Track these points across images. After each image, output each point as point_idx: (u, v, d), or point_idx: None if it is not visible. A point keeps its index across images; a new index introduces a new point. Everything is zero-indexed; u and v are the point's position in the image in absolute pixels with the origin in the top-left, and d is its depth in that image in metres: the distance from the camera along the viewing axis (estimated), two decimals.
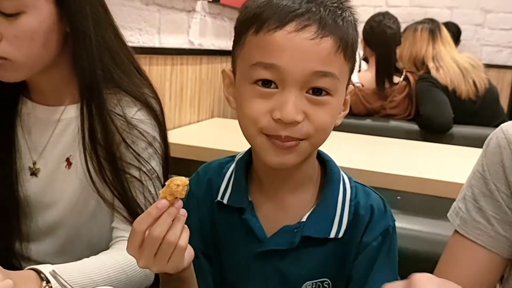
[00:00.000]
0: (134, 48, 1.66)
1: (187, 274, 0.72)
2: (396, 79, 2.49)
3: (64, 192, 0.93)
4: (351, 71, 0.73)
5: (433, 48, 2.49)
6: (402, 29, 2.57)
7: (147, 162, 0.91)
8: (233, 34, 0.74)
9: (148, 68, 1.79)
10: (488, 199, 0.77)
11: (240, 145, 0.80)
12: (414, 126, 2.44)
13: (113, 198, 0.90)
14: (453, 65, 2.45)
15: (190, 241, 0.67)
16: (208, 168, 0.85)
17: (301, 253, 0.76)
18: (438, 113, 2.36)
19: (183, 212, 0.64)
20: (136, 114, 0.91)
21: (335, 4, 0.68)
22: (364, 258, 0.75)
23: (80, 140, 0.89)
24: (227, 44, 2.43)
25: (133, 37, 1.69)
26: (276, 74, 0.66)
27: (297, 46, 0.65)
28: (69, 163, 0.93)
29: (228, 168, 0.82)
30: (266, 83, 0.67)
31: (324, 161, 0.80)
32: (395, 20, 2.48)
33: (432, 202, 1.50)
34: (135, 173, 0.90)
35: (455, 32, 3.62)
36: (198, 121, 2.27)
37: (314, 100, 0.67)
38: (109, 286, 0.74)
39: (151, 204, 0.89)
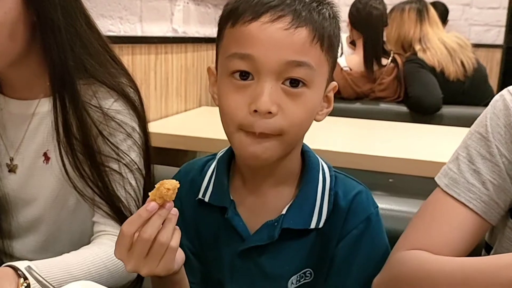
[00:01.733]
0: (116, 37, 1.63)
1: (179, 277, 0.71)
2: (384, 61, 2.47)
3: (43, 188, 0.90)
4: (332, 66, 0.73)
5: (420, 30, 2.47)
6: (388, 10, 2.54)
7: (126, 154, 0.88)
8: (217, 21, 0.74)
9: (132, 57, 1.76)
10: (487, 162, 0.72)
11: None
12: (404, 108, 2.43)
13: (93, 193, 0.87)
14: (440, 46, 2.43)
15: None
16: (191, 168, 0.84)
17: (282, 247, 0.75)
18: (427, 94, 2.34)
19: (175, 211, 0.63)
20: (113, 105, 0.88)
21: None
22: (345, 245, 0.75)
23: (54, 135, 0.86)
24: (212, 31, 2.39)
25: (114, 26, 1.65)
26: (251, 64, 0.66)
27: (271, 36, 0.65)
28: (47, 158, 0.90)
29: (209, 167, 0.82)
30: (244, 75, 0.67)
31: (303, 152, 0.80)
32: (381, 0, 2.45)
33: (424, 183, 1.48)
34: (114, 166, 0.88)
35: (443, 11, 3.59)
36: (185, 111, 2.24)
37: (289, 92, 0.67)
38: (90, 281, 0.72)
39: (132, 197, 0.88)
